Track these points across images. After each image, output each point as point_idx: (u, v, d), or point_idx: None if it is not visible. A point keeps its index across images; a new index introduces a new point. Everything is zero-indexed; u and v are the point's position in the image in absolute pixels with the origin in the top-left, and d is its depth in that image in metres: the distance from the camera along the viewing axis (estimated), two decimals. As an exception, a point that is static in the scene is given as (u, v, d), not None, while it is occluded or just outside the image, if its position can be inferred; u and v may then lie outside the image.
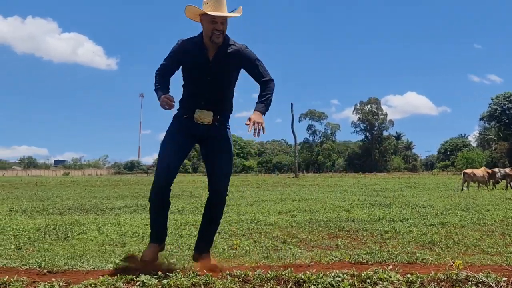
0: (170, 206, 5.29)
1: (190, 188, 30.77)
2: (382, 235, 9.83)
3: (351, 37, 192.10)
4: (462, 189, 27.92)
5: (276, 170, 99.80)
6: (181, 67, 5.17)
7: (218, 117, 5.02)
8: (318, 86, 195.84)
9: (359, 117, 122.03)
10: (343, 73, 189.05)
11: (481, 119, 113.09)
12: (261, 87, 5.16)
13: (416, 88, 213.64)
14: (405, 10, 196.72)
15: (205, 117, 4.93)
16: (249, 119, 4.84)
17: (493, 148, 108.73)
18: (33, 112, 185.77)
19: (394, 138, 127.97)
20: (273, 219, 12.27)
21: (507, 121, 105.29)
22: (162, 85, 5.18)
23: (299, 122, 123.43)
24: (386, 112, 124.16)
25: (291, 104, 73.04)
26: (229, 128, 5.22)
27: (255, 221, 12.00)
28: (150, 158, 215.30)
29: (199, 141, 5.11)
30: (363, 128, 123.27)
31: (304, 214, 13.50)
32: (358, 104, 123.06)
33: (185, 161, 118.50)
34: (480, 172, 29.74)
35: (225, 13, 4.87)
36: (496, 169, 32.53)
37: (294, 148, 79.55)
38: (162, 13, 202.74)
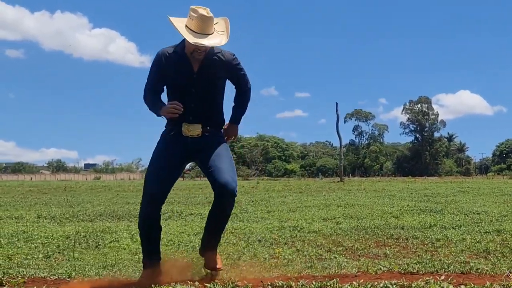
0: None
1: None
2: (433, 243, 9.70)
3: (399, 31, 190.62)
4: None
5: (320, 174, 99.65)
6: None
7: (208, 128, 5.03)
8: (365, 84, 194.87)
9: (408, 117, 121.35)
10: (392, 71, 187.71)
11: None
12: (240, 95, 5.38)
13: (470, 86, 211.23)
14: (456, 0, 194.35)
15: (193, 129, 4.95)
16: (227, 132, 5.26)
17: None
18: (62, 113, 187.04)
19: (446, 139, 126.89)
20: (317, 226, 12.18)
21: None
22: (157, 101, 5.13)
23: (345, 122, 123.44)
24: (437, 112, 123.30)
25: (336, 103, 72.37)
26: (223, 137, 5.24)
27: (298, 228, 11.90)
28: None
29: (191, 155, 5.10)
30: (412, 129, 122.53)
31: (350, 221, 13.41)
32: (408, 104, 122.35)
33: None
34: None
35: (207, 43, 4.78)
36: None
37: (339, 150, 79.10)
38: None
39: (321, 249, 9.33)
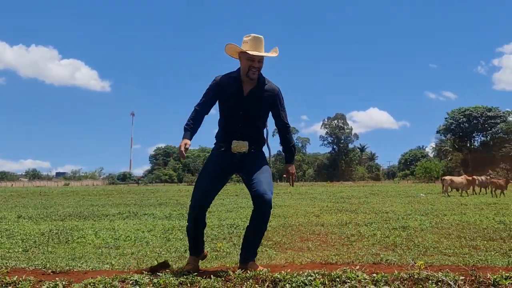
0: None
1: (176, 197, 30.78)
2: (349, 238, 9.84)
3: (320, 57, 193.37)
4: (448, 195, 28.28)
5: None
6: (217, 102, 5.14)
7: (253, 146, 5.05)
8: (289, 104, 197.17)
9: (326, 131, 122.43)
10: (311, 92, 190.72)
11: (437, 132, 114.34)
12: (283, 131, 5.32)
13: (378, 104, 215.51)
14: (365, 32, 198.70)
15: (241, 146, 4.95)
16: (288, 173, 5.30)
17: (449, 158, 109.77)
18: (37, 130, 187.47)
19: (358, 150, 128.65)
20: (250, 224, 12.23)
21: (461, 134, 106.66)
22: (193, 126, 5.11)
23: (273, 136, 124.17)
24: (351, 126, 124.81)
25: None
26: (264, 155, 5.24)
27: (235, 226, 12.00)
28: (140, 169, 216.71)
29: (237, 169, 5.07)
30: (330, 141, 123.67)
31: (278, 219, 13.49)
32: (326, 120, 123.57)
33: (171, 171, 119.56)
34: (459, 179, 30.00)
35: (263, 53, 4.89)
36: (476, 177, 32.97)
37: (269, 160, 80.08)
38: (150, 40, 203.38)
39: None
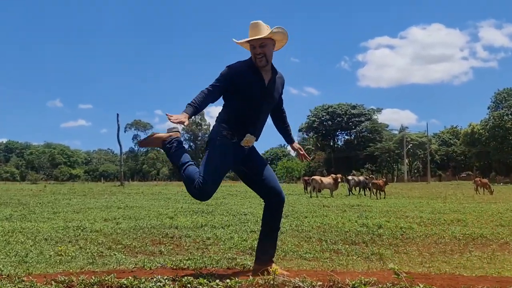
0: None
1: (18, 196, 29.57)
2: (204, 241, 9.89)
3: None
4: (311, 196, 29.07)
5: (102, 178, 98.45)
6: (231, 91, 5.07)
7: (256, 140, 5.15)
8: (143, 97, 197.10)
9: (183, 128, 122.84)
10: (166, 86, 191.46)
11: (300, 130, 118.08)
12: (280, 113, 5.60)
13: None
14: (221, 28, 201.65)
15: (250, 141, 5.02)
16: (299, 149, 5.70)
17: (311, 158, 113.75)
18: None
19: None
20: (98, 226, 12.05)
21: (324, 132, 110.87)
22: (198, 107, 4.95)
23: (125, 132, 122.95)
24: (209, 122, 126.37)
25: (117, 114, 71.84)
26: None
27: (81, 228, 11.73)
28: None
29: (243, 163, 5.13)
30: (187, 138, 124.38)
31: (129, 221, 13.35)
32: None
33: (13, 168, 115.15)
34: (328, 179, 30.97)
35: (254, 36, 4.96)
36: (350, 177, 34.28)
37: (120, 157, 79.23)
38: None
39: (102, 246, 9.26)
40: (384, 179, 31.52)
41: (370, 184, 30.94)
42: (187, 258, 7.70)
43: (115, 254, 8.31)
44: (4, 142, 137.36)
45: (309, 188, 32.08)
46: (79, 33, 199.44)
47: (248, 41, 5.01)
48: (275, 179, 5.19)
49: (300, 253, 8.57)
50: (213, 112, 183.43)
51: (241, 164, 5.15)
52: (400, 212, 17.14)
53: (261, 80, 5.04)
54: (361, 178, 35.02)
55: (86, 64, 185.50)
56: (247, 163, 5.14)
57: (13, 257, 8.08)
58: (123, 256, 8.13)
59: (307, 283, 4.18)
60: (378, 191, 29.34)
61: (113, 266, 6.89)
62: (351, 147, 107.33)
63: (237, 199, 26.23)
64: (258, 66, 5.00)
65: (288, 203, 21.89)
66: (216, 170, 4.97)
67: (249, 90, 5.04)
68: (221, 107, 5.26)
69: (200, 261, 7.37)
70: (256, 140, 5.17)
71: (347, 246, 9.50)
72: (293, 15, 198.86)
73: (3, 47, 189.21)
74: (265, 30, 4.99)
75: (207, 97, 5.00)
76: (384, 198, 27.82)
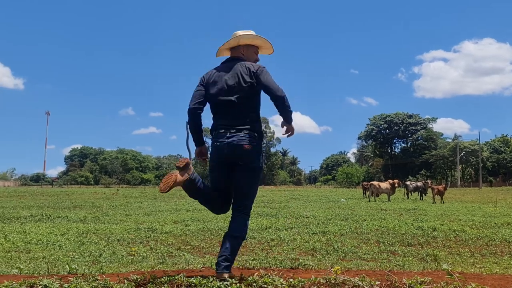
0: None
1: (92, 199, 30.22)
2: (268, 242, 9.90)
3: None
4: (369, 200, 28.92)
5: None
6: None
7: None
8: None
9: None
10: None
11: (359, 138, 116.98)
12: None
13: (300, 108, 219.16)
14: (287, 36, 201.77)
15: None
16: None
17: (370, 164, 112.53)
18: None
19: (281, 154, 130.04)
20: (168, 228, 12.19)
21: (382, 140, 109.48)
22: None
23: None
24: (273, 130, 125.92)
25: (186, 122, 72.67)
26: (259, 152, 4.85)
27: (152, 230, 11.91)
28: (54, 171, 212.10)
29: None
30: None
31: (198, 223, 13.46)
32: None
33: (87, 173, 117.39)
34: (385, 184, 30.68)
35: (217, 50, 4.97)
36: (408, 182, 33.84)
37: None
38: (66, 35, 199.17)
39: (171, 247, 9.36)
40: (444, 185, 30.84)
41: (431, 188, 30.37)
42: (252, 258, 7.72)
43: (184, 255, 8.39)
44: (79, 147, 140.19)
45: (367, 193, 31.80)
46: (151, 43, 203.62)
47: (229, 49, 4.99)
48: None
49: (359, 254, 8.50)
50: (277, 120, 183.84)
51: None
52: (454, 215, 16.83)
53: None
54: (419, 183, 34.45)
55: (157, 73, 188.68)
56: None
57: (87, 257, 8.26)
58: (192, 257, 8.18)
59: (366, 282, 4.13)
60: (437, 195, 28.78)
61: (183, 266, 6.95)
62: (407, 154, 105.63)
63: (300, 203, 26.16)
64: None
65: (347, 207, 21.76)
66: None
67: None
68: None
69: (265, 261, 7.38)
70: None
71: (403, 247, 9.39)
72: (354, 29, 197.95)
73: (80, 58, 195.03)
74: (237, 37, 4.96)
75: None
76: (443, 203, 27.28)
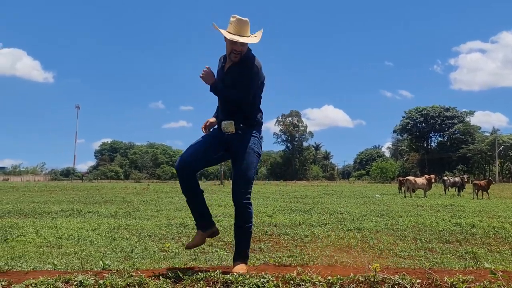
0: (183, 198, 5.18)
1: (122, 194, 30.57)
2: (302, 239, 9.89)
3: (277, 56, 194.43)
4: (405, 196, 28.78)
5: (203, 177, 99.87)
6: None
7: (241, 125, 4.93)
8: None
9: (281, 129, 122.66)
10: (265, 87, 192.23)
11: (394, 131, 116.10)
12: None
13: (333, 102, 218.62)
14: (321, 29, 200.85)
15: (228, 127, 4.89)
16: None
17: (405, 158, 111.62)
18: None
19: (313, 148, 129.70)
20: (201, 223, 12.21)
21: (418, 133, 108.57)
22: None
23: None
24: (306, 124, 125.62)
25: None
26: (257, 136, 5.04)
27: (184, 225, 11.97)
28: (84, 165, 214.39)
29: (227, 147, 5.01)
30: (284, 139, 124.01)
31: (229, 219, 13.47)
32: (280, 117, 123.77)
33: (118, 167, 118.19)
34: (421, 179, 30.48)
35: (240, 39, 4.78)
36: (446, 177, 33.59)
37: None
38: (97, 30, 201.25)
39: (204, 243, 9.38)
40: (487, 180, 30.39)
41: (472, 184, 30.06)
42: (287, 255, 7.71)
43: (217, 251, 8.44)
44: (109, 142, 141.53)
45: (403, 188, 31.59)
46: (180, 36, 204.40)
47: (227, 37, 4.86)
48: (235, 181, 4.95)
49: (395, 251, 8.45)
50: (310, 114, 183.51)
51: (227, 149, 5.02)
52: (492, 212, 16.62)
53: (222, 68, 5.02)
54: (457, 178, 34.09)
55: (187, 67, 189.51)
56: (230, 152, 5.01)
57: (119, 252, 8.35)
58: (225, 253, 8.22)
59: (406, 280, 4.11)
60: (479, 191, 28.46)
61: (216, 263, 6.99)
62: (444, 149, 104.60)
63: (334, 198, 26.08)
64: (231, 60, 4.90)
65: (383, 203, 21.62)
66: (195, 142, 5.10)
67: (217, 74, 5.06)
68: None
69: (300, 258, 7.38)
70: (241, 123, 4.95)
71: (441, 244, 9.32)
72: (389, 20, 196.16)
73: (109, 51, 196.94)
74: (248, 29, 4.89)
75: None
76: (489, 199, 26.98)
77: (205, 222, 5.30)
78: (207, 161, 5.12)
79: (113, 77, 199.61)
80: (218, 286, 4.09)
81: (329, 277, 4.22)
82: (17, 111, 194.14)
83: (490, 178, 37.52)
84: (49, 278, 4.20)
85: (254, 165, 5.02)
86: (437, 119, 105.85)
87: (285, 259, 6.93)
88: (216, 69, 5.10)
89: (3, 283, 4.15)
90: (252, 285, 4.04)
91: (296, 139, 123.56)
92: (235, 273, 4.33)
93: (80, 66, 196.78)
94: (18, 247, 9.02)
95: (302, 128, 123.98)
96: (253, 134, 5.01)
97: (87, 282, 4.12)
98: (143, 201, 23.23)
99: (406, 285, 4.03)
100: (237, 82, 4.89)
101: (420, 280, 4.15)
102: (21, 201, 23.12)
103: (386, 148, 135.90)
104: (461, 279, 4.16)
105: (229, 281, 4.15)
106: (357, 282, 4.14)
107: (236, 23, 4.82)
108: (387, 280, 4.14)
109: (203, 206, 5.27)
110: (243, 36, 4.82)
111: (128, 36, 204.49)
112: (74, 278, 4.19)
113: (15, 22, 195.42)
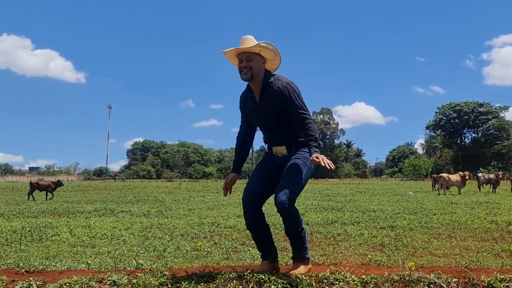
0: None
1: (155, 193, 30.80)
2: (335, 237, 9.86)
3: (298, 52, 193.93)
4: (439, 193, 28.47)
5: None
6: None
7: (293, 148, 4.87)
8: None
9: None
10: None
11: (427, 127, 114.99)
12: (297, 122, 4.83)
13: (365, 99, 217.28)
14: (352, 26, 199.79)
15: (280, 151, 4.88)
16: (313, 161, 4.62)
17: (438, 155, 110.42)
18: (9, 123, 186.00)
19: (345, 146, 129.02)
20: (232, 222, 12.27)
21: (451, 130, 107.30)
22: (238, 156, 5.24)
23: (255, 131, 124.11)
24: (337, 121, 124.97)
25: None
26: (308, 152, 4.77)
27: (216, 224, 12.03)
28: (116, 165, 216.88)
29: (281, 168, 4.87)
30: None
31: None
32: (311, 114, 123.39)
33: (150, 167, 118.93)
34: (455, 177, 30.15)
35: (231, 49, 4.72)
36: (480, 174, 33.25)
37: (252, 155, 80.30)
38: (127, 30, 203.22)
39: (236, 242, 9.44)
40: None
41: (510, 181, 29.69)
42: (320, 253, 7.69)
43: (249, 250, 8.44)
44: (141, 141, 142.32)
45: (437, 186, 31.28)
46: (209, 35, 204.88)
47: (237, 55, 4.77)
48: (281, 185, 4.69)
49: (430, 249, 8.37)
50: (341, 111, 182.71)
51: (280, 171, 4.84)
52: (529, 209, 16.37)
53: (252, 99, 4.86)
54: (491, 175, 33.63)
55: (217, 65, 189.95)
56: (282, 169, 4.83)
57: (152, 251, 8.43)
58: (257, 252, 8.21)
59: (442, 279, 4.07)
60: None
61: (249, 262, 6.98)
62: (478, 145, 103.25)
63: (366, 196, 25.95)
64: (242, 79, 4.74)
65: (416, 201, 21.45)
66: (250, 179, 5.13)
67: (246, 109, 4.98)
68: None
69: (333, 256, 7.35)
70: (293, 146, 4.88)
71: (477, 242, 9.20)
72: (420, 15, 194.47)
73: (140, 51, 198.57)
74: (251, 42, 4.73)
75: (239, 141, 5.18)
76: None
77: (270, 253, 5.05)
78: (263, 192, 4.97)
79: (144, 76, 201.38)
80: (251, 285, 4.09)
81: (363, 276, 4.20)
82: (50, 111, 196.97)
83: None
84: (83, 277, 4.27)
85: (304, 174, 4.85)
86: (470, 115, 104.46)
87: (318, 258, 6.92)
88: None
89: (38, 283, 4.22)
90: (286, 284, 4.03)
91: (328, 136, 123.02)
92: (291, 274, 4.34)
93: (112, 66, 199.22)
94: (53, 246, 9.17)
95: (334, 126, 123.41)
96: (304, 150, 4.86)
97: (121, 282, 4.17)
98: (175, 200, 23.44)
99: (442, 284, 3.98)
100: (278, 107, 4.78)
101: (456, 279, 4.11)
102: (55, 201, 23.58)
103: (418, 145, 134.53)
104: (498, 278, 4.10)
105: (262, 281, 4.14)
106: (392, 281, 4.11)
107: (241, 42, 4.75)
108: (422, 279, 4.10)
109: (268, 238, 5.11)
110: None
111: (159, 36, 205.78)
112: (107, 278, 4.24)
113: (47, 23, 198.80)
